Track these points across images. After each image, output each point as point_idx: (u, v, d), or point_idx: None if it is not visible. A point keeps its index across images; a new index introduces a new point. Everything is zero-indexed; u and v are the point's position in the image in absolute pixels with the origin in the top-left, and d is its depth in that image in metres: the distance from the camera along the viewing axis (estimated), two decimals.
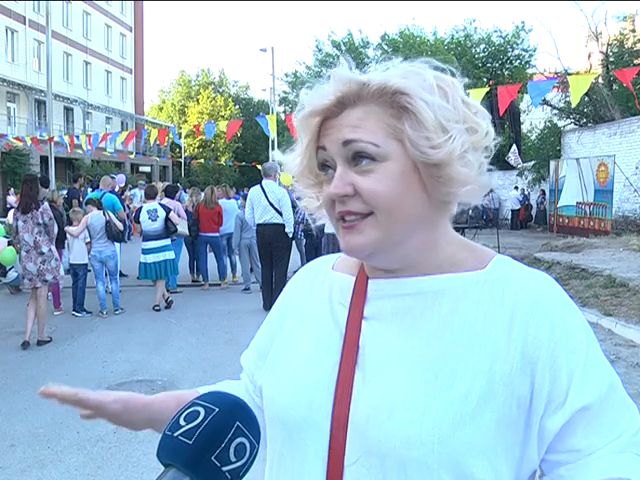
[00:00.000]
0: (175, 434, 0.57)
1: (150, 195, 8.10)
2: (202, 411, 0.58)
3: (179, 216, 8.56)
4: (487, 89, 7.70)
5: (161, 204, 7.97)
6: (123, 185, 12.93)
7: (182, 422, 0.57)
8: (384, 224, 0.72)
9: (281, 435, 0.79)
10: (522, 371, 0.69)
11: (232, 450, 0.56)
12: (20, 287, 7.66)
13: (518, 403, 0.69)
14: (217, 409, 0.58)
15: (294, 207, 7.45)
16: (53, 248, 6.09)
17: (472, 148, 0.72)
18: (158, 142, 13.53)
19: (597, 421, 0.69)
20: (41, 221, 5.95)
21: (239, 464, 0.57)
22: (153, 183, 10.71)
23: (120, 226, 7.56)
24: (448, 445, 0.67)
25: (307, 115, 0.75)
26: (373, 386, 0.72)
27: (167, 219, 7.73)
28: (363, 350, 0.75)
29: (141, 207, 8.02)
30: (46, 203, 6.28)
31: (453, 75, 0.74)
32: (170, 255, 7.79)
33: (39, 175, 9.25)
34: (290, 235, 7.51)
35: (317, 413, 0.74)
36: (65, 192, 11.90)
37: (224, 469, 0.56)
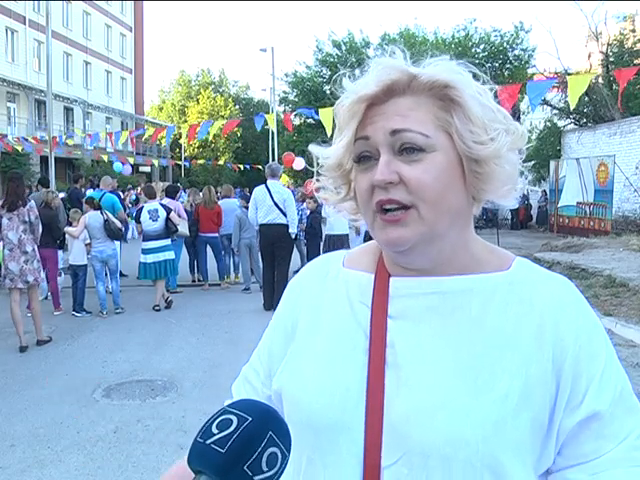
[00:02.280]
0: (207, 442, 0.56)
1: (150, 195, 8.11)
2: (235, 419, 0.57)
3: (179, 216, 8.57)
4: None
5: (162, 204, 7.98)
6: (130, 174, 13.01)
7: (214, 430, 0.57)
8: (427, 217, 0.71)
9: (309, 439, 0.76)
10: (552, 373, 0.71)
11: (264, 460, 0.56)
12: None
13: (549, 404, 0.71)
14: (250, 418, 0.57)
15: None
16: (36, 248, 5.95)
17: (510, 149, 0.73)
18: (163, 140, 13.55)
19: (607, 427, 0.71)
20: (27, 219, 5.82)
21: (270, 474, 0.56)
22: (153, 183, 10.71)
23: (118, 223, 7.57)
24: (491, 445, 0.67)
25: (355, 101, 0.73)
26: (411, 386, 0.71)
27: (168, 219, 7.74)
28: (393, 349, 0.74)
29: (142, 207, 8.03)
30: (32, 201, 6.14)
31: (484, 83, 0.75)
32: (170, 255, 7.80)
33: (39, 175, 9.21)
34: (293, 236, 7.53)
35: (350, 415, 0.73)
36: (63, 193, 11.87)
37: (255, 478, 0.55)
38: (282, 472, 0.58)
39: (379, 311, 0.77)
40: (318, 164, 0.82)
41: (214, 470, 0.55)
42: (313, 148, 0.83)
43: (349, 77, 0.76)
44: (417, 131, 0.70)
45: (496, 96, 0.76)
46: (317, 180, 0.85)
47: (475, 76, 0.75)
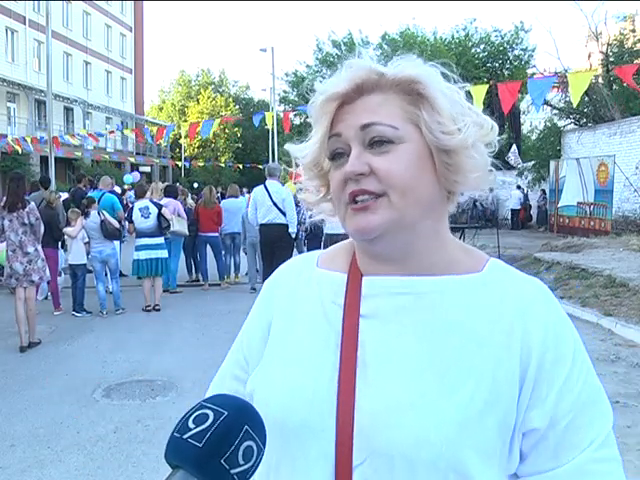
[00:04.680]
0: (184, 436, 0.57)
1: (139, 194, 8.14)
2: (211, 414, 0.58)
3: (179, 215, 8.57)
4: (487, 86, 7.68)
5: (152, 201, 7.95)
6: (138, 181, 13.14)
7: (191, 425, 0.57)
8: (397, 205, 0.72)
9: (278, 441, 0.75)
10: (518, 375, 0.71)
11: (241, 453, 0.57)
12: (2, 284, 7.54)
13: (515, 407, 0.70)
14: (226, 412, 0.58)
15: (297, 206, 7.48)
16: (39, 248, 5.95)
17: (480, 141, 0.75)
18: (157, 141, 13.54)
19: (566, 436, 0.70)
20: (27, 221, 5.80)
21: (247, 466, 0.57)
22: (153, 183, 10.70)
23: (116, 224, 7.56)
24: (455, 447, 0.67)
25: (325, 99, 0.76)
26: (376, 386, 0.71)
27: (160, 215, 7.73)
28: (363, 349, 0.74)
29: (133, 206, 8.03)
30: (32, 203, 6.13)
31: (456, 82, 0.77)
32: (163, 254, 7.78)
33: (40, 175, 9.20)
34: (293, 236, 7.53)
35: (318, 416, 0.72)
36: (66, 194, 11.87)
37: (232, 472, 0.56)
38: (258, 465, 0.59)
39: (351, 311, 0.77)
40: (297, 165, 0.84)
41: (191, 464, 0.56)
42: (289, 147, 0.84)
43: (320, 81, 0.79)
44: (386, 124, 0.72)
45: (470, 96, 0.78)
46: (298, 182, 0.86)
47: (447, 77, 0.76)
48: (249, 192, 14.51)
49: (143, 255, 7.62)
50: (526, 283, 0.78)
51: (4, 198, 5.97)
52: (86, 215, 7.36)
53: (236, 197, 10.16)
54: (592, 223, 15.96)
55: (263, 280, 7.79)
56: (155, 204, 7.85)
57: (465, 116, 0.74)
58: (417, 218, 0.74)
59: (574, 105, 10.91)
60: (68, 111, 32.53)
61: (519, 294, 0.75)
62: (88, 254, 7.60)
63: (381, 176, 0.72)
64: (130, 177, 21.38)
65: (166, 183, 14.24)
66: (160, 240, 7.79)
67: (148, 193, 8.30)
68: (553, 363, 0.71)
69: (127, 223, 8.14)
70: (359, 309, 0.77)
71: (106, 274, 7.73)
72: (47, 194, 7.83)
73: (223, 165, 35.14)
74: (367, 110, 0.74)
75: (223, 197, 12.76)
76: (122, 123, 36.89)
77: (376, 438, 0.69)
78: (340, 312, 0.78)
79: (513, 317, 0.73)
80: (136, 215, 7.69)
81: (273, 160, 23.81)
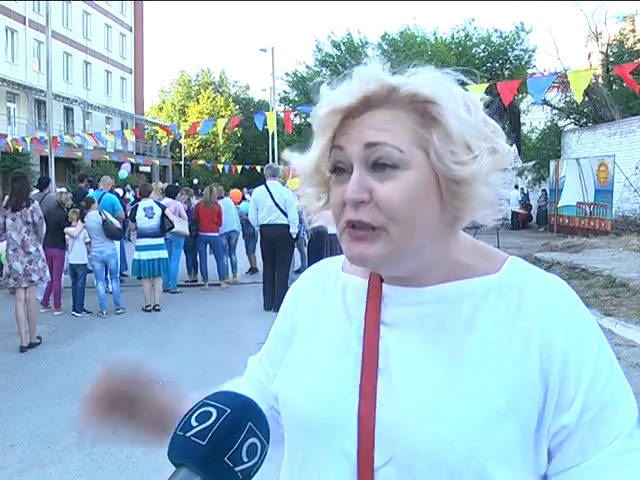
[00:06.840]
0: (187, 434, 0.57)
1: (144, 194, 8.14)
2: (214, 412, 0.57)
3: (180, 216, 8.56)
4: (486, 85, 7.69)
5: (156, 202, 7.96)
6: (129, 174, 13.22)
7: (194, 422, 0.57)
8: (397, 237, 0.69)
9: (303, 440, 0.77)
10: (540, 377, 0.70)
11: (244, 450, 0.56)
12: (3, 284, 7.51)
13: (538, 410, 0.69)
14: (229, 410, 0.58)
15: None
16: (40, 248, 5.94)
17: (493, 169, 0.70)
18: (164, 140, 13.59)
19: (593, 431, 0.69)
20: (30, 220, 5.80)
21: (251, 464, 0.57)
22: (153, 183, 10.69)
23: (117, 224, 7.57)
24: (478, 451, 0.67)
25: (330, 112, 0.71)
26: (399, 390, 0.72)
27: (163, 216, 7.74)
28: (386, 355, 0.74)
29: (137, 205, 8.03)
30: (36, 202, 6.13)
31: (468, 86, 0.74)
32: (163, 254, 7.79)
33: (39, 175, 9.24)
34: (294, 236, 7.52)
35: (341, 416, 0.73)
36: (69, 193, 11.92)
37: (236, 469, 0.56)
38: (262, 462, 0.59)
39: (372, 318, 0.77)
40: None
41: (195, 462, 0.55)
42: (288, 155, 0.80)
43: (328, 84, 0.74)
44: (392, 145, 0.68)
45: (489, 93, 0.75)
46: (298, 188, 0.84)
47: (462, 83, 0.72)
48: (250, 192, 14.55)
49: (145, 256, 7.62)
50: (545, 281, 0.75)
51: (6, 197, 5.98)
52: (83, 217, 7.35)
53: (222, 198, 10.12)
54: (592, 223, 15.95)
55: (263, 281, 7.83)
56: (159, 205, 7.86)
57: (480, 139, 0.69)
58: (416, 248, 0.71)
59: (577, 101, 10.88)
60: (68, 111, 32.52)
61: (538, 293, 0.73)
62: (89, 254, 7.60)
63: (382, 206, 0.68)
64: (124, 172, 21.43)
65: (166, 183, 14.27)
66: (161, 240, 7.80)
67: (153, 193, 8.33)
68: (578, 361, 0.69)
69: (130, 222, 8.14)
70: (379, 316, 0.77)
71: (106, 274, 7.73)
72: (58, 195, 7.89)
73: (221, 169, 35.07)
74: (373, 127, 0.69)
75: None
76: (122, 123, 36.90)
77: (399, 441, 0.69)
78: (362, 318, 0.78)
79: (531, 318, 0.71)
80: (140, 215, 7.68)
81: (273, 160, 23.80)
